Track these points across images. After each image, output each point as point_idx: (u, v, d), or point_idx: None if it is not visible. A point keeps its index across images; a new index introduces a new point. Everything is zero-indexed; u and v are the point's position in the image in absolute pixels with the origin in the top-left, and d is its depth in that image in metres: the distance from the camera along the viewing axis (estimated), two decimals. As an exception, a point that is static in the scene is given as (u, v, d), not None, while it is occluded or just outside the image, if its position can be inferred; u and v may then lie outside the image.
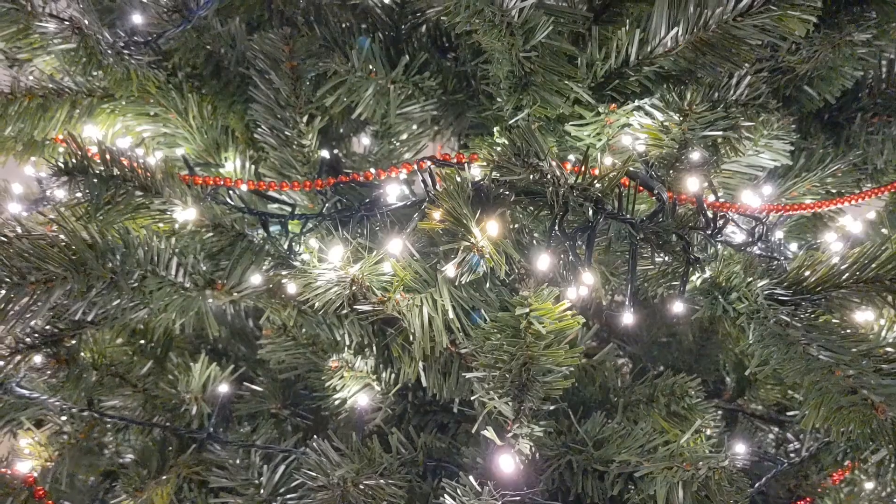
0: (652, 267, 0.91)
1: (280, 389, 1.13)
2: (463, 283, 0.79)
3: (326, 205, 1.02)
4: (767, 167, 1.01)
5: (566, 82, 0.91)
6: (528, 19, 0.85)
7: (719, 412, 1.31)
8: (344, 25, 1.11)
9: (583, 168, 0.79)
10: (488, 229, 0.76)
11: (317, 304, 0.84)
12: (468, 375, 0.84)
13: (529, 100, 0.92)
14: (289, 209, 1.03)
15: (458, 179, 0.78)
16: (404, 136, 1.18)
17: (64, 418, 1.13)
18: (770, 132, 0.97)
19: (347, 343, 0.98)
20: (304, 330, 1.04)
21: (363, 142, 1.44)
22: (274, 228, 1.04)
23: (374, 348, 0.98)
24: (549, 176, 0.75)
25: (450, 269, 0.78)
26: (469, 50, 1.05)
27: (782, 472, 1.13)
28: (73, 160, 0.90)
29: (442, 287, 0.84)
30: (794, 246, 1.10)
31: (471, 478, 0.81)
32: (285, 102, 1.02)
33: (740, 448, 1.06)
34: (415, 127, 1.16)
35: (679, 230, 0.85)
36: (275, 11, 1.10)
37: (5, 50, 1.33)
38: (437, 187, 0.85)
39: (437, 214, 0.79)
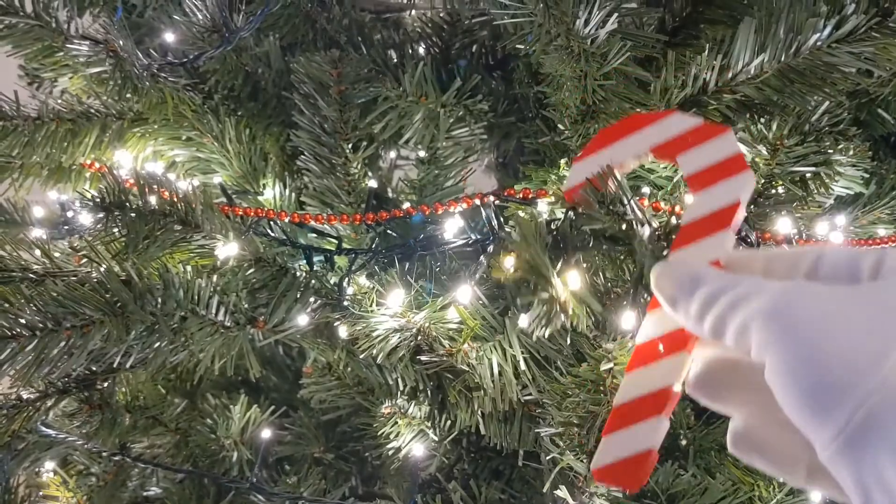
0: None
1: (322, 430, 1.07)
2: (540, 336, 0.72)
3: (374, 239, 0.96)
4: (836, 195, 0.95)
5: (639, 111, 0.84)
6: (602, 44, 0.79)
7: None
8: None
9: (672, 212, 0.73)
10: (570, 281, 0.70)
11: (380, 355, 0.78)
12: (542, 433, 0.78)
13: (599, 129, 0.85)
14: (333, 241, 0.97)
15: (535, 223, 0.72)
16: (450, 161, 1.11)
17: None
18: (846, 159, 0.91)
19: (401, 388, 0.91)
20: (349, 370, 0.97)
21: (390, 155, 1.38)
22: (318, 260, 0.98)
23: (429, 393, 0.91)
24: (635, 224, 0.68)
25: (524, 321, 0.72)
26: (527, 73, 0.99)
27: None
28: (110, 194, 0.84)
29: (511, 335, 0.77)
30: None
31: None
32: (332, 129, 0.96)
33: (816, 497, 1.00)
34: (464, 151, 1.09)
35: (766, 273, 0.79)
36: (319, 30, 1.04)
37: (27, 68, 1.27)
38: (504, 226, 0.79)
39: (508, 261, 0.73)
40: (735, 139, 0.61)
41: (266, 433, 1.00)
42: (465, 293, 0.77)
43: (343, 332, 0.86)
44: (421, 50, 1.06)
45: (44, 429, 1.03)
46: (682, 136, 0.63)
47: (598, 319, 0.73)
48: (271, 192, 1.06)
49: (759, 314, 0.39)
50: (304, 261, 0.95)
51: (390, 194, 1.30)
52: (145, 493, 1.19)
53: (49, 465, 1.09)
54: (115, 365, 0.85)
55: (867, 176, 0.95)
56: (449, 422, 0.91)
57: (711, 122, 0.60)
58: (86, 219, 0.96)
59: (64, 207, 1.18)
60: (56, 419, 0.98)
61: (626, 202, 0.69)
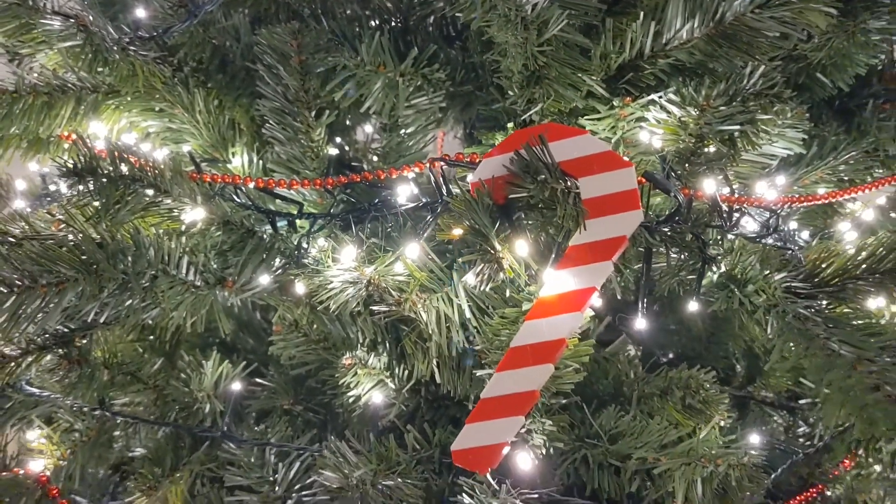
0: (666, 264, 0.90)
1: (292, 385, 1.13)
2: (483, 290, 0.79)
3: (335, 204, 1.01)
4: (780, 156, 1.01)
5: (580, 75, 0.90)
6: (542, 13, 0.84)
7: (731, 401, 1.32)
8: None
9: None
10: (509, 244, 0.76)
11: (332, 306, 0.83)
12: (479, 373, 0.84)
13: (543, 93, 0.91)
14: (296, 206, 1.02)
15: (479, 189, 0.78)
16: (412, 129, 1.16)
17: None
18: (784, 121, 0.96)
19: (360, 340, 0.97)
20: (315, 326, 1.03)
21: (366, 129, 1.43)
22: (282, 224, 1.03)
23: (388, 345, 0.97)
24: (559, 192, 0.74)
25: (470, 278, 0.78)
26: (479, 42, 1.03)
27: (796, 462, 1.13)
28: (82, 160, 0.89)
29: (458, 286, 0.83)
30: (805, 234, 1.10)
31: (487, 475, 0.81)
32: (294, 97, 1.01)
33: (755, 439, 1.06)
34: (425, 119, 1.14)
35: (694, 229, 0.84)
36: (281, 4, 1.08)
37: (6, 44, 1.31)
38: (453, 189, 0.85)
39: (453, 223, 0.79)
40: (635, 175, 0.73)
41: (237, 386, 1.06)
42: (413, 249, 0.83)
43: (301, 287, 0.91)
44: (382, 22, 1.10)
45: (28, 388, 1.08)
46: (589, 159, 0.75)
47: (532, 274, 0.79)
48: (240, 160, 1.11)
49: None
50: (269, 225, 1.01)
51: (366, 167, 1.35)
52: (131, 454, 1.25)
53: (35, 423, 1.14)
54: (89, 320, 0.90)
55: (805, 137, 1.00)
56: (406, 371, 0.97)
57: (617, 154, 0.72)
58: (65, 188, 1.01)
59: (45, 180, 1.23)
60: (37, 376, 1.03)
61: (552, 171, 0.75)
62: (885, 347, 0.86)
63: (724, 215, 0.89)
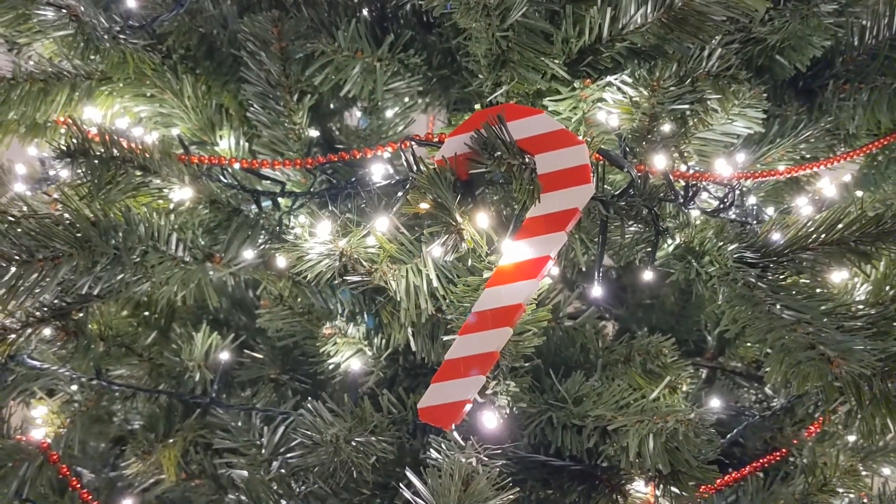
0: (626, 236, 0.95)
1: (279, 356, 1.19)
2: (448, 260, 0.85)
3: (314, 182, 1.07)
4: (742, 135, 1.06)
5: (542, 59, 0.95)
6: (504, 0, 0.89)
7: (701, 371, 1.38)
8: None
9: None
10: (471, 217, 0.82)
11: (309, 276, 0.89)
12: (445, 338, 0.90)
13: (508, 76, 0.96)
14: (280, 186, 1.08)
15: (441, 166, 0.84)
16: (391, 113, 1.22)
17: (74, 388, 1.19)
18: (742, 101, 1.01)
19: (340, 311, 1.03)
20: (299, 300, 1.09)
21: (356, 115, 1.49)
22: (266, 204, 1.09)
23: (366, 315, 1.03)
24: (515, 168, 0.80)
25: (435, 249, 0.84)
26: (452, 27, 1.09)
27: (758, 425, 1.19)
28: (75, 143, 0.95)
29: (426, 257, 0.89)
30: (770, 210, 1.15)
31: (455, 433, 0.86)
32: (276, 82, 1.06)
33: (715, 403, 1.12)
34: (407, 100, 1.20)
35: (648, 203, 0.90)
36: (264, -7, 1.14)
37: (4, 34, 1.37)
38: (420, 168, 0.90)
39: (420, 198, 0.85)
40: (587, 152, 0.77)
41: (225, 355, 1.12)
42: (383, 222, 0.89)
43: (283, 261, 0.97)
44: (359, 10, 1.16)
45: (30, 361, 1.15)
46: (544, 137, 0.81)
47: (493, 244, 0.85)
48: (227, 143, 1.17)
49: None
50: (254, 203, 1.07)
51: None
52: (130, 427, 1.32)
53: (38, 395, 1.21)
54: (84, 293, 0.96)
55: (764, 116, 1.05)
56: (384, 340, 1.03)
57: (569, 132, 0.79)
58: (63, 172, 1.07)
59: (45, 164, 1.29)
60: (36, 348, 1.10)
61: (509, 148, 0.81)
62: (829, 313, 0.92)
63: (679, 190, 0.94)
